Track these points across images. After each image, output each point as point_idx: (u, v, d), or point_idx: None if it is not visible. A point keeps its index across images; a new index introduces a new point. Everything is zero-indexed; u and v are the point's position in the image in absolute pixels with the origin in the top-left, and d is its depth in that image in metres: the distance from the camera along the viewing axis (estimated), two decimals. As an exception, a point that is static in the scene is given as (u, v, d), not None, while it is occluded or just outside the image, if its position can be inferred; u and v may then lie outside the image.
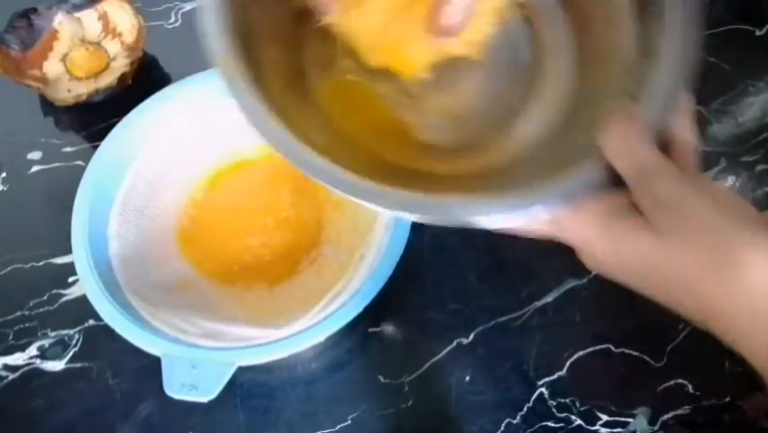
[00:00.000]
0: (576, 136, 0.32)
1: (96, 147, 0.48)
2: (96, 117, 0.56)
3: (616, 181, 0.27)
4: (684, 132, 0.27)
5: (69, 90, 0.56)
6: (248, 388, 0.45)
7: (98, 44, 0.59)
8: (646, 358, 0.46)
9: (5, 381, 0.46)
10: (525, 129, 0.35)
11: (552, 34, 0.36)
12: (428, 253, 0.50)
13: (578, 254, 0.29)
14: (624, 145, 0.26)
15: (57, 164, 0.55)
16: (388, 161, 0.35)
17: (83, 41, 0.58)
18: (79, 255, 0.43)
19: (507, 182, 0.31)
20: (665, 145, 0.27)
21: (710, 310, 0.24)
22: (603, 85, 0.33)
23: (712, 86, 0.58)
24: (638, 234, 0.25)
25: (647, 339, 0.46)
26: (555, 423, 0.44)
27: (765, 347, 0.23)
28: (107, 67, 0.58)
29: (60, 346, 0.47)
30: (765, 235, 0.22)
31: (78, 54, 0.58)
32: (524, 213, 0.28)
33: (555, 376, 0.45)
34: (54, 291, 0.49)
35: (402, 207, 0.29)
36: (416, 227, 0.43)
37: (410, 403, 0.45)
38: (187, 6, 0.63)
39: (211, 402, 0.39)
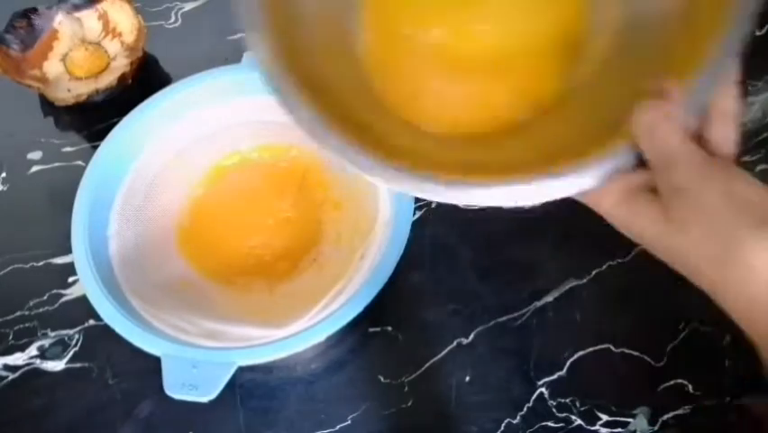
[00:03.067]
0: (613, 103, 0.31)
1: (96, 147, 0.48)
2: (95, 117, 0.56)
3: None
4: (727, 105, 0.27)
5: (69, 90, 0.56)
6: (248, 388, 0.45)
7: (98, 44, 0.59)
8: (646, 358, 0.46)
9: (5, 381, 0.46)
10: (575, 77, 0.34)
11: None
12: (428, 253, 0.50)
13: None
14: (651, 129, 0.26)
15: (57, 164, 0.55)
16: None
17: (83, 41, 0.58)
18: (79, 255, 0.43)
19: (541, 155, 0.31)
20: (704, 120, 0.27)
21: (713, 294, 0.25)
22: (650, 51, 0.32)
23: (712, 86, 0.58)
24: (649, 215, 0.26)
25: (647, 339, 0.46)
26: (555, 423, 0.44)
27: (764, 334, 0.24)
28: (107, 67, 0.58)
29: (60, 346, 0.47)
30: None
31: (78, 54, 0.58)
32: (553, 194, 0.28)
33: (555, 376, 0.45)
34: (54, 291, 0.49)
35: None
36: (417, 227, 0.43)
37: (410, 403, 0.45)
38: (187, 6, 0.63)
39: (211, 402, 0.39)
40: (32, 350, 0.47)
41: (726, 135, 0.27)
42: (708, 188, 0.24)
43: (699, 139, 0.27)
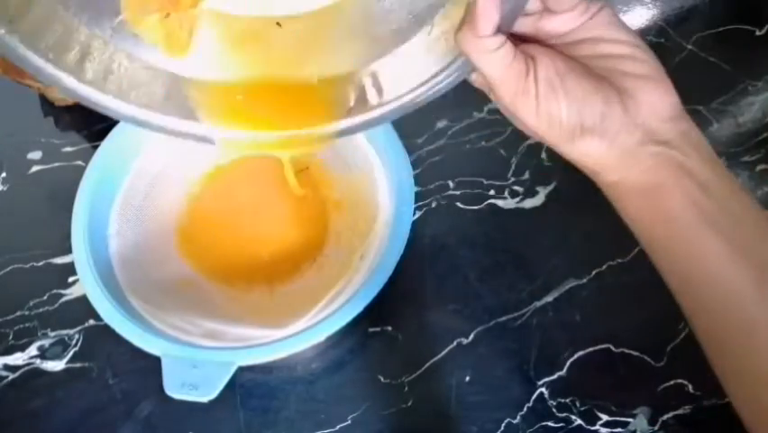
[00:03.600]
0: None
1: (96, 147, 0.48)
2: (96, 117, 0.56)
3: None
4: None
5: (69, 90, 0.56)
6: (248, 388, 0.45)
7: (98, 44, 0.59)
8: (646, 358, 0.46)
9: (5, 381, 0.46)
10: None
11: None
12: (428, 252, 0.50)
13: None
14: (470, 56, 0.27)
15: (57, 164, 0.55)
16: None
17: (83, 41, 0.58)
18: (79, 255, 0.43)
19: None
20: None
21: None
22: None
23: (712, 86, 0.58)
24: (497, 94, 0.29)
25: (647, 339, 0.46)
26: (555, 423, 0.44)
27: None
28: (107, 67, 0.58)
29: (60, 346, 0.47)
30: (578, 146, 0.28)
31: (78, 54, 0.58)
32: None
33: (555, 376, 0.45)
34: (54, 291, 0.49)
35: None
36: (417, 227, 0.43)
37: (410, 403, 0.45)
38: (187, 6, 0.63)
39: (211, 402, 0.39)
40: (32, 350, 0.47)
41: (566, 1, 0.28)
42: (522, 112, 0.28)
43: (547, 9, 0.28)
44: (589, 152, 0.28)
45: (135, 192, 0.49)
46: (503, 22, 0.26)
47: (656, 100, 0.28)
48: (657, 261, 0.29)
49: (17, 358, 0.47)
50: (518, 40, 0.29)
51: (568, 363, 0.46)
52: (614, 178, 0.28)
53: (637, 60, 0.28)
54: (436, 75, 0.30)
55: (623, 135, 0.27)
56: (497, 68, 0.27)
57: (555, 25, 0.28)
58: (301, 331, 0.40)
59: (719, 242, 0.26)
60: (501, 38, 0.26)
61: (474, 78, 0.31)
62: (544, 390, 0.45)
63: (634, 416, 0.44)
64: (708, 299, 0.27)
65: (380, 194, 0.47)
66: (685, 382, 0.45)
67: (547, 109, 0.27)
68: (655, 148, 0.27)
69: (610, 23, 0.28)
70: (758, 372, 0.26)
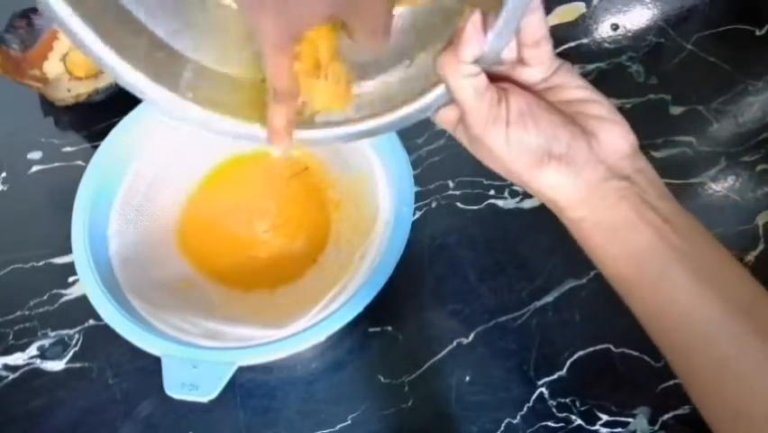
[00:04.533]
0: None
1: (96, 147, 0.48)
2: (96, 117, 0.56)
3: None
4: (533, 19, 0.29)
5: (69, 90, 0.56)
6: (248, 388, 0.45)
7: (98, 44, 0.59)
8: (646, 358, 0.46)
9: (5, 381, 0.46)
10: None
11: None
12: (428, 253, 0.50)
13: None
14: (447, 79, 0.29)
15: (57, 164, 0.55)
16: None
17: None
18: (79, 255, 0.43)
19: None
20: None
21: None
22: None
23: (712, 86, 0.58)
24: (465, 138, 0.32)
25: (647, 339, 0.46)
26: (555, 423, 0.44)
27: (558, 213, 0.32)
28: (107, 67, 0.58)
29: (60, 346, 0.47)
30: (541, 176, 0.29)
31: (78, 54, 0.58)
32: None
33: (555, 376, 0.45)
34: (54, 291, 0.49)
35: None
36: (417, 227, 0.43)
37: (410, 403, 0.45)
38: (187, 6, 0.63)
39: (211, 402, 0.39)
40: (32, 350, 0.47)
41: (540, 52, 0.30)
42: (492, 139, 0.29)
43: (521, 61, 0.30)
44: (557, 184, 0.29)
45: (135, 192, 0.49)
46: (483, 58, 0.28)
47: (616, 138, 0.29)
48: (625, 296, 0.30)
49: (17, 358, 0.47)
50: (492, 79, 0.30)
51: (568, 364, 0.46)
52: (580, 214, 0.29)
53: (596, 103, 0.30)
54: (407, 103, 0.32)
55: (588, 170, 0.29)
56: (471, 94, 0.28)
57: (526, 76, 0.30)
58: (301, 331, 0.40)
59: (688, 276, 0.27)
60: (478, 68, 0.28)
61: (440, 116, 0.32)
62: (543, 390, 0.45)
63: (634, 416, 0.44)
64: (677, 334, 0.28)
65: (380, 194, 0.47)
66: (685, 382, 0.45)
67: (517, 136, 0.28)
68: (618, 183, 0.28)
69: (571, 73, 0.31)
70: (730, 404, 0.27)
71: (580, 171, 0.29)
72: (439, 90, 0.30)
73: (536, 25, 0.29)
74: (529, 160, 0.29)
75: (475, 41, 0.27)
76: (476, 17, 0.27)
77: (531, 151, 0.28)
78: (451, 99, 0.30)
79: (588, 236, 0.30)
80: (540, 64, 0.30)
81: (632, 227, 0.28)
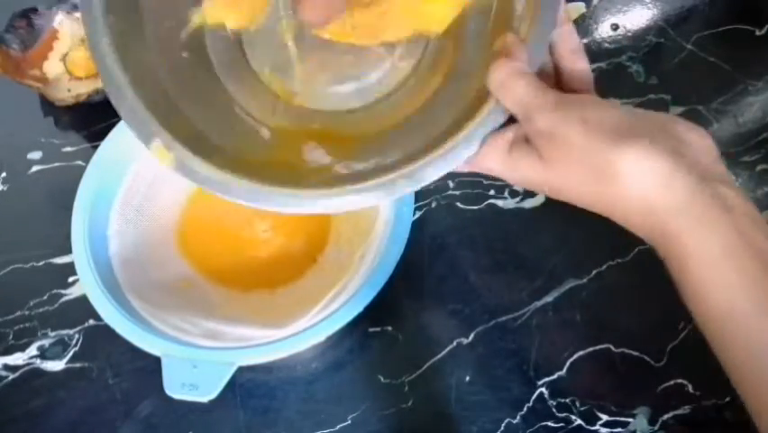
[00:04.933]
0: (471, 83, 0.33)
1: (96, 147, 0.48)
2: (95, 117, 0.56)
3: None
4: (566, 34, 0.30)
5: (69, 90, 0.56)
6: (248, 388, 0.45)
7: (98, 44, 0.59)
8: (646, 358, 0.46)
9: (5, 381, 0.46)
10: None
11: None
12: (428, 253, 0.50)
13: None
14: (503, 86, 0.29)
15: (57, 164, 0.55)
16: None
17: (83, 41, 0.58)
18: (79, 255, 0.43)
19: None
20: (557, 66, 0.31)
21: (602, 212, 0.27)
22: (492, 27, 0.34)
23: (712, 86, 0.58)
24: (528, 162, 0.28)
25: (647, 339, 0.46)
26: (555, 423, 0.44)
27: (642, 232, 0.27)
28: (107, 67, 0.58)
29: (60, 346, 0.47)
30: (630, 151, 0.25)
31: (78, 54, 0.58)
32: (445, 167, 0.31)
33: (555, 376, 0.45)
34: (54, 291, 0.49)
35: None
36: (417, 227, 0.43)
37: (410, 403, 0.45)
38: (187, 6, 0.63)
39: (211, 402, 0.39)
40: (32, 350, 0.47)
41: (579, 68, 0.30)
42: (564, 124, 0.26)
43: (558, 79, 0.31)
44: (649, 167, 0.24)
45: (135, 192, 0.49)
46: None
47: (698, 137, 0.27)
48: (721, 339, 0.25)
49: (17, 358, 0.47)
50: None
51: (568, 364, 0.46)
52: (679, 224, 0.24)
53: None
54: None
55: (684, 165, 0.25)
56: (532, 82, 0.28)
57: None
58: (301, 331, 0.40)
59: None
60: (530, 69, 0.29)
61: (491, 141, 0.30)
62: (543, 390, 0.45)
63: (634, 416, 0.44)
64: None
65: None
66: (685, 382, 0.45)
67: (596, 113, 0.26)
68: (725, 190, 0.25)
69: None
70: None
71: (676, 159, 0.24)
72: (489, 112, 0.30)
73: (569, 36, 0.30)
74: (612, 134, 0.25)
75: (521, 46, 0.29)
76: (512, 35, 0.29)
77: (612, 122, 0.26)
78: (504, 115, 0.30)
79: (687, 261, 0.25)
80: (582, 86, 0.30)
81: (740, 249, 0.24)
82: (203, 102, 0.36)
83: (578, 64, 0.30)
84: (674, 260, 0.25)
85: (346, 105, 0.37)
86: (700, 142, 0.26)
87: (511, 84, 0.28)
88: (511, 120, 0.30)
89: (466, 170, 0.31)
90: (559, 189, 0.28)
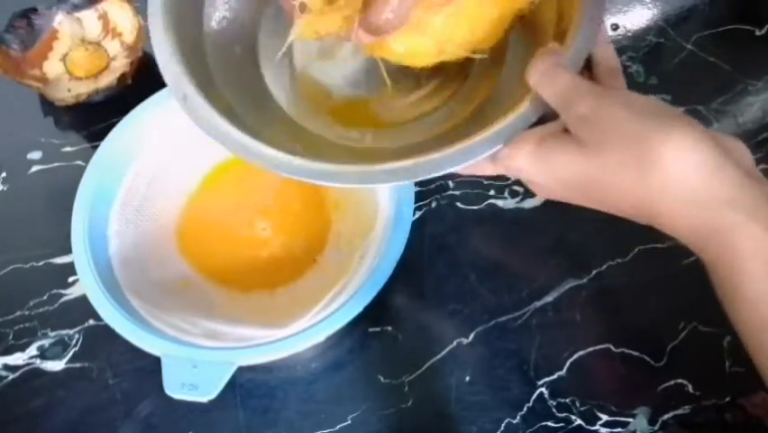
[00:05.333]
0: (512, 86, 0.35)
1: (96, 147, 0.48)
2: (96, 117, 0.56)
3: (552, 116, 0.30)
4: (606, 53, 0.31)
5: (69, 90, 0.56)
6: (248, 388, 0.45)
7: (98, 44, 0.59)
8: (646, 358, 0.46)
9: (5, 381, 0.46)
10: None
11: None
12: (428, 253, 0.50)
13: (528, 186, 0.31)
14: (545, 75, 0.29)
15: (57, 164, 0.55)
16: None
17: (83, 40, 0.58)
18: (79, 255, 0.43)
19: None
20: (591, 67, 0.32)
21: (641, 207, 0.26)
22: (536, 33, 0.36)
23: (712, 86, 0.58)
24: (565, 149, 0.27)
25: (647, 339, 0.46)
26: (555, 423, 0.44)
27: (687, 228, 0.25)
28: (107, 67, 0.58)
29: (60, 346, 0.47)
30: (677, 133, 0.24)
31: (78, 54, 0.58)
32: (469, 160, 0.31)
33: (555, 376, 0.45)
34: (54, 291, 0.49)
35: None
36: (417, 227, 0.43)
37: (410, 403, 0.45)
38: (187, 6, 0.63)
39: (211, 402, 0.39)
40: (32, 350, 0.47)
41: (612, 75, 0.31)
42: (608, 106, 0.26)
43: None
44: (695, 148, 0.23)
45: (135, 192, 0.49)
46: None
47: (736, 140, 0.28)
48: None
49: (17, 358, 0.47)
50: None
51: (568, 364, 0.46)
52: (731, 217, 0.23)
53: None
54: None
55: (730, 159, 0.24)
56: (567, 77, 0.28)
57: None
58: (301, 331, 0.40)
59: None
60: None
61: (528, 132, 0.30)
62: (543, 390, 0.45)
63: (634, 416, 0.44)
64: None
65: (380, 194, 0.47)
66: (685, 382, 0.45)
67: (642, 101, 0.26)
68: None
69: None
70: None
71: (723, 152, 0.24)
72: (517, 115, 0.31)
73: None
74: (658, 117, 0.25)
75: (562, 49, 0.30)
76: (555, 43, 0.31)
77: (658, 108, 0.26)
78: (532, 119, 0.30)
79: (741, 263, 0.23)
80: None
81: None
82: (244, 91, 0.39)
83: (615, 84, 0.31)
84: (724, 260, 0.24)
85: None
86: (738, 145, 0.26)
87: (553, 73, 0.29)
88: (535, 124, 0.30)
89: (489, 172, 0.31)
90: (596, 181, 0.26)
